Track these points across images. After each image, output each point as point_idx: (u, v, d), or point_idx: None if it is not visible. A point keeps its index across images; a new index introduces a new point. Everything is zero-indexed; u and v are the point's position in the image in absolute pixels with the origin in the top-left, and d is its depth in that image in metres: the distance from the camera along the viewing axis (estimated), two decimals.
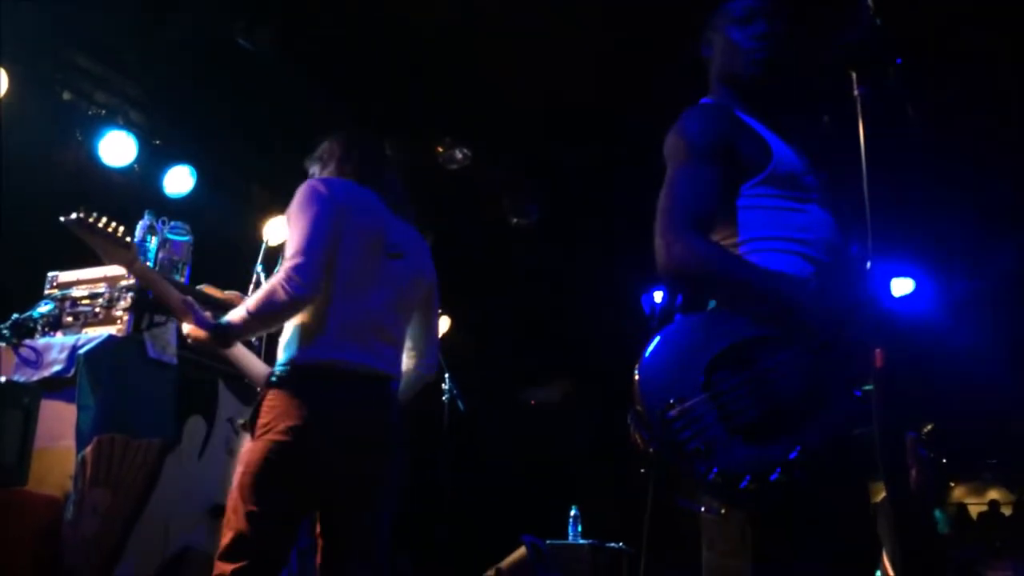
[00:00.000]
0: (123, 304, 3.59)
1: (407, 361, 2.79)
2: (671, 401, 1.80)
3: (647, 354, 1.87)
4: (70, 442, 3.31)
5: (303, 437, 2.37)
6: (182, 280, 3.81)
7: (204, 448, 3.78)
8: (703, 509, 1.96)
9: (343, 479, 2.46)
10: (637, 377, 1.85)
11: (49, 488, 3.29)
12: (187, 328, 2.60)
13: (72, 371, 3.40)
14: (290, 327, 2.53)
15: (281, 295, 2.38)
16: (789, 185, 2.02)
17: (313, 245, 2.46)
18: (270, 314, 2.44)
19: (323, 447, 2.40)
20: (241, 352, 2.85)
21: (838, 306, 1.83)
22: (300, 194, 2.59)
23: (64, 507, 3.24)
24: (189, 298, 2.65)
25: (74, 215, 2.61)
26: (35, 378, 3.45)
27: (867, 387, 1.79)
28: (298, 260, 2.42)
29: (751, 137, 2.05)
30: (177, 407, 3.68)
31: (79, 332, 3.63)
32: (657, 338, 1.89)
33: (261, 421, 2.42)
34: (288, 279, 2.39)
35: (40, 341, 3.58)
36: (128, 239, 2.68)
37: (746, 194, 2.02)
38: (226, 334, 2.49)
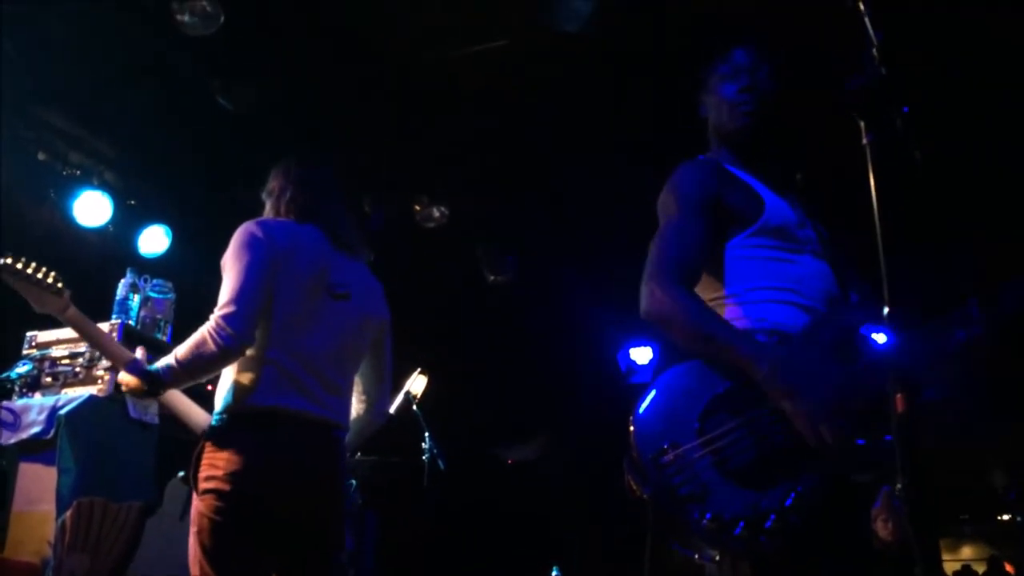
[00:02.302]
0: (104, 363, 3.55)
1: (357, 406, 2.69)
2: (665, 446, 1.80)
3: (642, 403, 1.87)
4: (49, 506, 3.25)
5: (245, 484, 2.27)
6: (164, 338, 3.78)
7: (186, 510, 3.70)
8: (697, 556, 1.94)
9: (292, 527, 2.36)
10: (632, 427, 1.85)
11: (27, 554, 3.22)
12: (120, 375, 2.47)
13: (51, 433, 3.35)
14: (227, 375, 2.42)
15: (211, 346, 2.28)
16: (782, 237, 2.07)
17: (246, 293, 2.35)
18: (199, 365, 2.32)
19: (267, 492, 2.30)
20: (179, 400, 2.68)
21: (807, 370, 1.82)
22: (235, 239, 2.48)
23: (43, 574, 3.16)
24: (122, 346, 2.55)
25: (0, 260, 2.48)
26: (13, 440, 3.39)
27: (871, 435, 1.79)
28: (230, 309, 2.32)
29: (742, 190, 2.12)
30: (158, 468, 3.62)
31: (59, 393, 3.58)
32: (652, 389, 1.90)
33: (202, 475, 2.31)
34: (218, 329, 2.29)
35: (18, 402, 3.53)
36: (60, 285, 2.53)
37: (740, 245, 2.07)
38: (156, 382, 2.36)
